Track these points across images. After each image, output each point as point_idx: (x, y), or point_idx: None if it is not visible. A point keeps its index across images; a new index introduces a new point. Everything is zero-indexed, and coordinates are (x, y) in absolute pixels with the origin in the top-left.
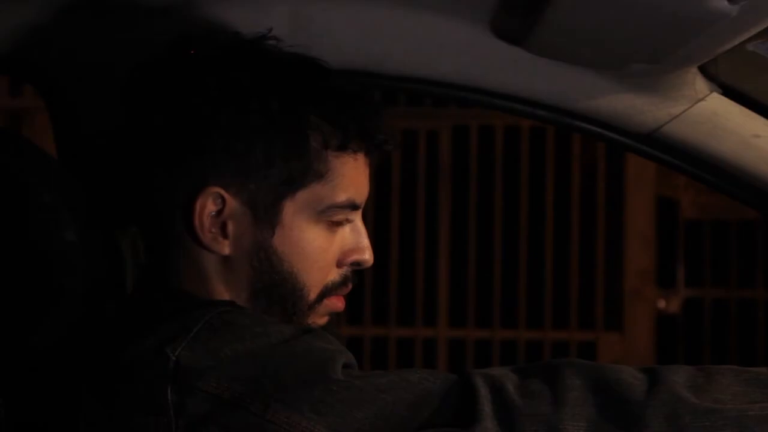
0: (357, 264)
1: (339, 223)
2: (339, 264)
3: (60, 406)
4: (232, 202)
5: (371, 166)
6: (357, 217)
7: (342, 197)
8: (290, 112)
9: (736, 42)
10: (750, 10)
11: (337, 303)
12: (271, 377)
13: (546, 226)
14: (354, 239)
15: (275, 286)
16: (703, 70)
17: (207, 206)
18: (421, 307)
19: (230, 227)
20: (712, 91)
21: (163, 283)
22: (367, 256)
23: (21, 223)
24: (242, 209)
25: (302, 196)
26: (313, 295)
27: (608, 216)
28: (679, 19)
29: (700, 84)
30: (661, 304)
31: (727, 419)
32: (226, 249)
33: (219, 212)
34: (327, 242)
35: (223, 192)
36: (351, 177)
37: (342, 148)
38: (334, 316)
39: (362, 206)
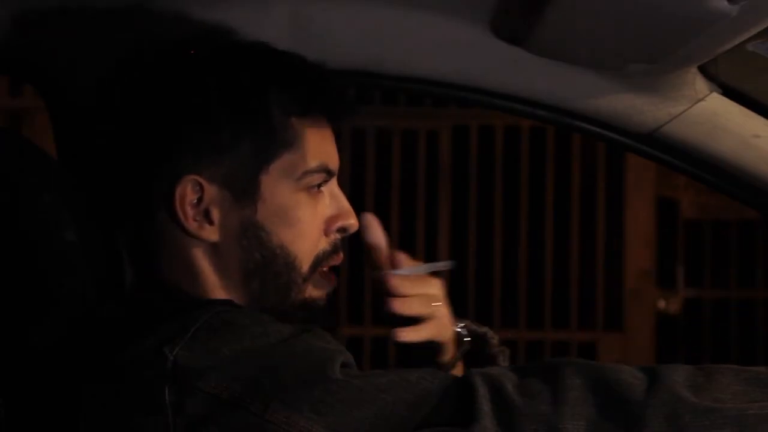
0: (343, 230)
1: (318, 191)
2: (326, 232)
3: (60, 406)
4: (209, 187)
5: (336, 135)
6: (334, 185)
7: (314, 163)
8: (250, 88)
9: (736, 42)
10: (750, 10)
11: (329, 276)
12: (271, 377)
13: (546, 226)
14: (335, 205)
15: (267, 263)
16: (703, 70)
17: (186, 195)
18: None
19: (214, 213)
20: (712, 91)
21: (156, 280)
22: (352, 220)
23: (21, 223)
24: (221, 192)
25: (276, 167)
26: (305, 267)
27: (608, 216)
28: (679, 19)
29: (700, 84)
30: (661, 304)
31: (726, 418)
32: (213, 235)
33: (199, 200)
34: (310, 210)
35: (198, 178)
36: (318, 143)
37: (304, 114)
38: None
39: (336, 173)
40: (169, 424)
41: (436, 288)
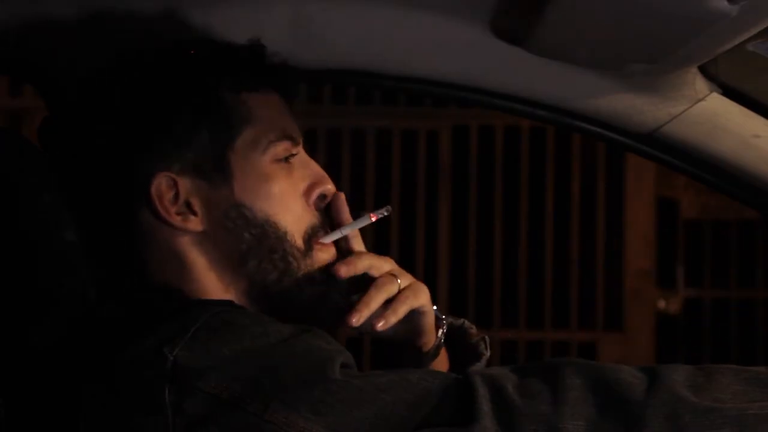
0: (323, 196)
1: (288, 164)
2: (308, 202)
3: (60, 406)
4: (182, 180)
5: (289, 107)
6: (303, 154)
7: (274, 133)
8: (194, 76)
9: (736, 42)
10: (750, 10)
11: (328, 248)
12: (270, 377)
13: (546, 226)
14: (309, 173)
15: (259, 241)
16: (703, 70)
17: (163, 192)
18: None
19: (194, 203)
20: (712, 91)
21: (151, 280)
22: (329, 185)
23: (21, 223)
24: (194, 182)
25: (240, 144)
26: (299, 241)
27: (608, 216)
28: (679, 19)
29: (700, 84)
30: (661, 304)
31: (726, 418)
32: (199, 225)
33: (177, 194)
34: (286, 181)
35: (170, 174)
36: (275, 114)
37: (253, 89)
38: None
39: (300, 142)
40: (169, 424)
41: (388, 265)
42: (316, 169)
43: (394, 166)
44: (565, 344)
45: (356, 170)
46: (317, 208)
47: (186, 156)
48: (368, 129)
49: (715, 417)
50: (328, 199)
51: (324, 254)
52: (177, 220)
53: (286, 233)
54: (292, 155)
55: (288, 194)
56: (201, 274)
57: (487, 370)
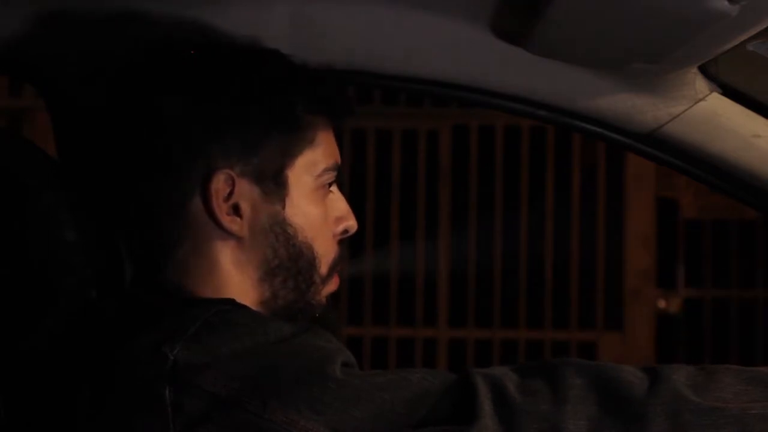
0: (346, 231)
1: (329, 191)
2: (333, 234)
3: (59, 405)
4: (240, 182)
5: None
6: (335, 186)
7: (330, 160)
8: (278, 86)
9: (736, 42)
10: (750, 10)
11: (336, 279)
12: (270, 376)
13: (546, 226)
14: (340, 206)
15: (293, 259)
16: (703, 70)
17: (220, 189)
18: (421, 307)
19: (243, 207)
20: (712, 91)
21: (164, 277)
22: (353, 221)
23: (21, 223)
24: (250, 186)
25: (300, 163)
26: (325, 268)
27: (608, 216)
28: (679, 19)
29: (700, 84)
30: (661, 304)
31: (728, 418)
32: (243, 230)
33: (230, 194)
34: (325, 209)
35: (231, 173)
36: (331, 142)
37: (320, 113)
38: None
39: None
40: (169, 423)
41: None
42: (345, 204)
43: (394, 166)
44: (565, 344)
45: (356, 170)
46: (337, 242)
47: (251, 160)
48: (368, 129)
49: (716, 417)
50: (349, 234)
51: (333, 286)
52: (226, 220)
53: (315, 259)
54: (332, 183)
55: (326, 221)
56: (226, 277)
57: (488, 370)
